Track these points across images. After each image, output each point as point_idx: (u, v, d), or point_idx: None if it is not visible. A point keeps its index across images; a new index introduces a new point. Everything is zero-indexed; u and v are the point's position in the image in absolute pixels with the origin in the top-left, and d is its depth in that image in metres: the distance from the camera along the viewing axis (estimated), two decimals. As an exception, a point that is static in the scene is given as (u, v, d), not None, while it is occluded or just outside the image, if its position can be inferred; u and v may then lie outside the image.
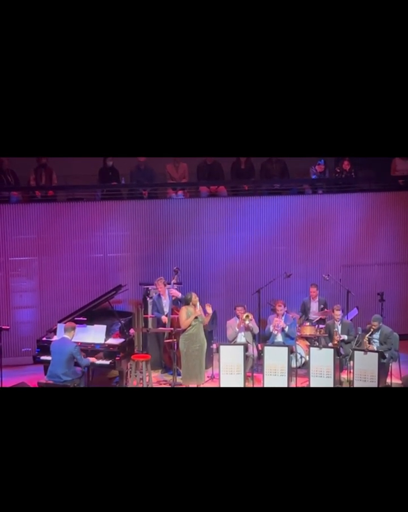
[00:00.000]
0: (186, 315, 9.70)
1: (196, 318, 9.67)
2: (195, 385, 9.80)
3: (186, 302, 9.79)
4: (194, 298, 9.73)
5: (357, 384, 9.76)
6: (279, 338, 10.63)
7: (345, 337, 10.38)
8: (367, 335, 9.97)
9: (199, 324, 9.72)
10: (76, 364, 9.12)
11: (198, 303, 9.75)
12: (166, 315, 10.69)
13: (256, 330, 10.59)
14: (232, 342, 10.49)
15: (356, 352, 9.83)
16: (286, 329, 10.50)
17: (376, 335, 10.12)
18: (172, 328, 10.19)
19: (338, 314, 10.50)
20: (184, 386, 9.76)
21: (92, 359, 9.46)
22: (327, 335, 10.54)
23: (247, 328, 10.46)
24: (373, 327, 10.06)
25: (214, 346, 10.65)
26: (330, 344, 10.35)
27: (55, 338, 9.64)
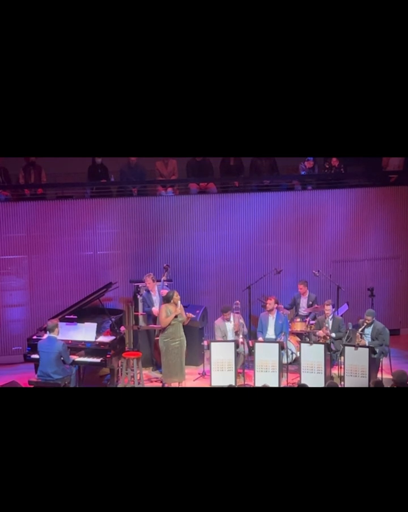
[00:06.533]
0: (165, 313, 9.68)
1: (176, 317, 9.67)
2: (176, 384, 9.82)
3: (167, 300, 9.76)
4: (176, 296, 9.71)
5: (348, 379, 9.79)
6: (271, 334, 10.64)
7: (333, 335, 10.36)
8: (359, 330, 9.99)
9: (178, 322, 9.72)
10: (64, 362, 9.12)
11: (179, 302, 9.73)
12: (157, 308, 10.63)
13: (246, 332, 10.53)
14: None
15: (346, 347, 9.86)
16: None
17: (368, 330, 10.13)
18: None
19: (328, 309, 10.50)
20: (174, 385, 9.75)
21: (73, 357, 9.43)
22: (317, 330, 10.55)
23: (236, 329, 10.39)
24: (367, 321, 10.09)
25: (205, 343, 10.64)
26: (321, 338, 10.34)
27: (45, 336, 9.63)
